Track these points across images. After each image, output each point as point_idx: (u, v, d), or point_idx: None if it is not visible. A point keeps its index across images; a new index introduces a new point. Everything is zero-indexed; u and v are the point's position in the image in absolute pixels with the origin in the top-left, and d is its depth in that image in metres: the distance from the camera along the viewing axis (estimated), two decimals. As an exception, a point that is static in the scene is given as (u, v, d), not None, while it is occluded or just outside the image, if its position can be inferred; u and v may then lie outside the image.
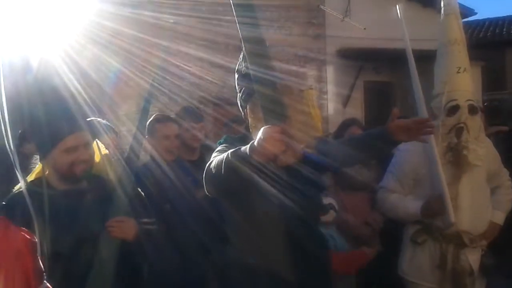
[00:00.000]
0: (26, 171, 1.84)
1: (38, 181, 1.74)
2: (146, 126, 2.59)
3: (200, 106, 5.73)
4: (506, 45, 12.69)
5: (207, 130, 2.98)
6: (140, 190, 1.99)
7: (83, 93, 1.82)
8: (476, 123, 2.41)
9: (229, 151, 1.62)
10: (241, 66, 1.87)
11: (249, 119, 1.90)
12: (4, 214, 1.43)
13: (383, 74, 9.30)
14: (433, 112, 2.45)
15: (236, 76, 1.92)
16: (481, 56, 8.45)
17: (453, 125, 2.38)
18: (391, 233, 2.71)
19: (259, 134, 1.52)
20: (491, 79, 10.45)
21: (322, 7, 8.69)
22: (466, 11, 9.90)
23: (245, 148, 1.56)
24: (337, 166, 2.05)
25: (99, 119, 2.62)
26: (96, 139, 1.92)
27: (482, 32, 13.14)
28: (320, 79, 8.78)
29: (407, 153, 2.49)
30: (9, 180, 1.77)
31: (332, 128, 4.45)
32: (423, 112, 2.34)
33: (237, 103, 1.96)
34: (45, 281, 1.32)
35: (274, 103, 1.66)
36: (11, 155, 1.49)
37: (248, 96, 1.85)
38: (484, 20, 13.97)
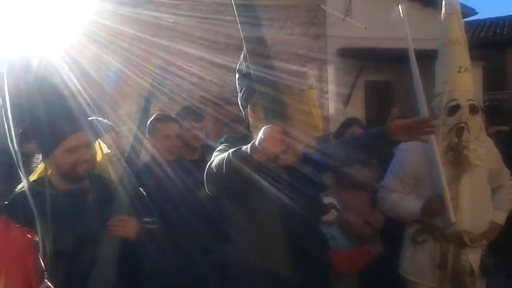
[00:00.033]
0: (27, 170, 1.84)
1: (40, 180, 1.74)
2: (147, 125, 2.60)
3: (200, 106, 5.73)
4: (507, 45, 12.67)
5: (208, 130, 2.98)
6: (141, 189, 2.00)
7: (83, 92, 1.82)
8: (476, 123, 2.41)
9: (230, 151, 1.62)
10: (242, 66, 1.87)
11: (250, 119, 1.90)
12: (6, 213, 1.44)
13: (384, 74, 9.30)
14: (433, 112, 2.45)
15: (237, 75, 1.92)
16: (482, 56, 8.45)
17: (453, 125, 2.38)
18: (392, 232, 2.71)
19: (260, 134, 1.52)
20: (492, 79, 10.44)
21: (323, 6, 8.69)
22: (467, 11, 9.89)
23: (246, 147, 1.56)
24: (338, 166, 2.05)
25: (100, 118, 2.63)
26: (98, 139, 1.92)
27: (483, 32, 13.13)
28: (321, 79, 8.78)
29: (407, 152, 2.49)
30: (11, 180, 1.77)
31: (333, 128, 4.45)
32: (424, 112, 2.34)
33: (237, 102, 1.96)
34: (46, 280, 1.32)
35: (275, 102, 1.66)
36: (14, 155, 1.49)
37: (249, 95, 1.85)
38: (485, 20, 13.96)
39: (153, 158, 2.65)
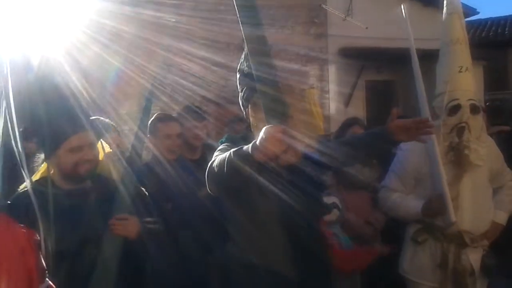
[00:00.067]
0: (28, 170, 1.84)
1: (43, 180, 1.75)
2: (148, 125, 2.60)
3: (201, 105, 5.74)
4: (508, 45, 12.66)
5: (209, 129, 2.98)
6: (143, 189, 2.00)
7: (85, 92, 1.82)
8: (477, 123, 2.41)
9: (231, 150, 1.63)
10: (243, 66, 1.87)
11: (250, 119, 1.91)
12: (8, 213, 1.44)
13: (385, 73, 9.30)
14: (434, 112, 2.45)
15: (238, 75, 1.93)
16: (483, 56, 8.45)
17: (454, 125, 2.38)
18: (393, 232, 2.71)
19: (261, 133, 1.52)
20: (493, 79, 10.43)
21: (324, 6, 8.69)
22: (468, 11, 9.88)
23: (247, 147, 1.56)
24: (338, 166, 2.06)
25: (102, 118, 2.63)
26: (101, 138, 1.93)
27: (484, 32, 13.12)
28: (322, 78, 8.78)
29: (408, 152, 2.49)
30: (13, 180, 1.77)
31: (334, 127, 4.45)
32: (425, 112, 2.34)
33: (238, 102, 1.96)
34: (47, 279, 1.33)
35: (276, 102, 1.66)
36: (17, 155, 1.49)
37: (250, 95, 1.85)
38: (486, 20, 13.94)
39: (154, 157, 2.65)
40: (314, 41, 8.83)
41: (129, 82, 5.90)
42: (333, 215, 2.59)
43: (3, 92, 1.54)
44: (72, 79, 1.79)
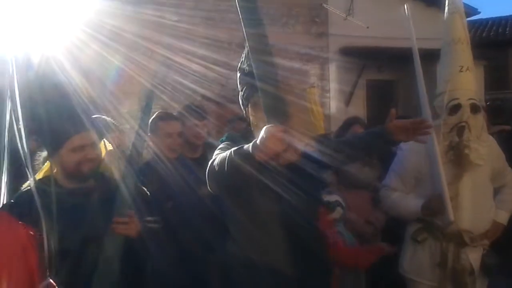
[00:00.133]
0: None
1: (46, 179, 1.75)
2: (149, 123, 2.60)
3: (202, 104, 5.73)
4: (509, 45, 12.66)
5: (209, 128, 2.98)
6: (144, 188, 2.00)
7: (85, 91, 1.82)
8: (478, 122, 2.41)
9: (232, 149, 1.63)
10: (244, 65, 1.87)
11: (251, 118, 1.91)
12: (12, 211, 1.44)
13: (386, 73, 9.30)
14: (435, 111, 2.45)
15: (238, 74, 1.93)
16: (484, 55, 8.45)
17: (454, 124, 2.38)
18: (393, 231, 2.71)
19: (261, 133, 1.52)
20: (494, 78, 10.44)
21: (325, 5, 8.68)
22: (469, 10, 9.87)
23: (248, 146, 1.57)
24: (338, 165, 2.06)
25: (104, 116, 2.63)
26: (103, 138, 1.93)
27: (485, 32, 13.12)
28: (323, 77, 8.78)
29: (409, 152, 2.49)
30: (20, 179, 1.78)
31: (334, 127, 4.44)
32: (426, 111, 2.34)
33: (238, 101, 1.96)
34: (48, 277, 1.33)
35: (276, 100, 1.67)
36: (22, 154, 1.50)
37: (250, 94, 1.85)
38: (487, 20, 13.94)
39: (155, 156, 2.65)
40: (315, 40, 8.83)
41: (130, 81, 5.91)
42: (337, 213, 2.59)
43: (9, 91, 1.55)
44: (72, 78, 1.79)
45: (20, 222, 1.35)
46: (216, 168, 1.68)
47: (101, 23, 5.27)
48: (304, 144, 1.65)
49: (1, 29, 1.70)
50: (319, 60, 8.79)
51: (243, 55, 1.88)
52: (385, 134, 1.77)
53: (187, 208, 2.47)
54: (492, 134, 2.86)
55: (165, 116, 2.81)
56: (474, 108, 2.39)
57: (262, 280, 1.77)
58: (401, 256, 2.56)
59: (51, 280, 1.33)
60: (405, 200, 2.50)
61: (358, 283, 2.65)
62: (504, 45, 12.55)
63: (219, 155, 1.71)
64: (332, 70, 8.91)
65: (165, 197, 2.45)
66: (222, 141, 1.95)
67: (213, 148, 1.93)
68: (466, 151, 2.35)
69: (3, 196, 1.69)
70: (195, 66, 6.90)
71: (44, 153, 1.89)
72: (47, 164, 1.83)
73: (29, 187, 1.68)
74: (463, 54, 2.42)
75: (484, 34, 12.91)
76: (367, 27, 8.26)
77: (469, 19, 10.31)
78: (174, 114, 2.99)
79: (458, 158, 2.36)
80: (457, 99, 2.38)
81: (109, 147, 1.98)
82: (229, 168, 1.61)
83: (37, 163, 1.89)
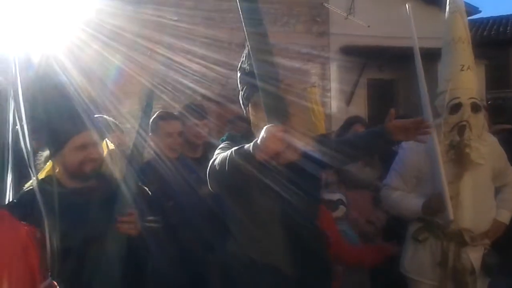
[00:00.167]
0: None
1: (48, 179, 1.75)
2: (149, 123, 2.60)
3: (203, 104, 5.73)
4: (510, 44, 12.64)
5: (210, 128, 2.98)
6: (145, 188, 2.00)
7: (86, 90, 1.82)
8: (479, 121, 2.41)
9: (233, 149, 1.63)
10: (244, 64, 1.87)
11: (251, 117, 1.91)
12: (8, 210, 1.44)
13: (387, 72, 9.29)
14: (436, 110, 2.44)
15: (239, 74, 1.93)
16: (485, 55, 8.43)
17: (455, 123, 2.38)
18: (395, 230, 2.71)
19: (262, 133, 1.53)
20: (495, 78, 10.43)
21: (326, 4, 8.68)
22: (470, 9, 9.86)
23: (248, 146, 1.57)
24: (338, 164, 2.07)
25: (105, 116, 2.63)
26: (105, 137, 1.93)
27: (486, 31, 13.10)
28: (324, 77, 8.78)
29: (410, 151, 2.49)
30: (24, 179, 1.78)
31: (335, 126, 4.44)
32: (427, 110, 2.34)
33: (239, 101, 1.96)
34: (49, 277, 1.33)
35: (277, 100, 1.67)
36: (26, 154, 1.50)
37: (250, 94, 1.85)
38: (488, 19, 13.91)
39: (155, 155, 2.65)
40: (316, 39, 8.83)
41: (130, 80, 5.91)
42: (340, 211, 2.60)
43: (12, 91, 1.55)
44: (73, 77, 1.79)
45: (21, 222, 1.35)
46: (217, 167, 1.68)
47: (101, 23, 5.28)
48: (304, 144, 1.65)
49: (2, 29, 1.70)
50: (320, 60, 8.78)
51: (244, 55, 1.88)
52: (384, 134, 1.78)
53: (187, 207, 2.47)
54: (493, 133, 2.86)
55: (165, 116, 2.81)
56: (475, 107, 2.38)
57: (262, 280, 1.77)
58: (402, 255, 2.56)
59: (52, 281, 1.32)
60: (406, 199, 2.50)
61: (363, 283, 2.64)
62: (505, 44, 12.53)
63: (219, 155, 1.71)
64: (333, 70, 8.90)
65: (165, 196, 2.45)
66: (222, 141, 1.95)
67: (214, 147, 1.93)
68: (467, 150, 2.34)
69: (9, 195, 1.69)
70: (195, 66, 6.91)
71: (45, 153, 1.89)
72: (49, 164, 1.83)
73: (31, 187, 1.69)
74: (464, 53, 2.42)
75: (485, 33, 12.89)
76: (368, 26, 8.26)
77: (470, 18, 10.29)
78: (175, 113, 2.99)
79: (459, 157, 2.36)
80: (458, 98, 2.38)
81: (111, 146, 1.98)
82: (230, 168, 1.61)
83: (38, 162, 1.89)
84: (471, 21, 11.51)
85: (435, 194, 2.36)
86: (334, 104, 8.64)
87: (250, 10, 1.70)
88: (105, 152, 1.90)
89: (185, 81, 6.02)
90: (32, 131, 1.62)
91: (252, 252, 1.81)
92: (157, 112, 2.84)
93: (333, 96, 8.73)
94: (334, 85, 8.81)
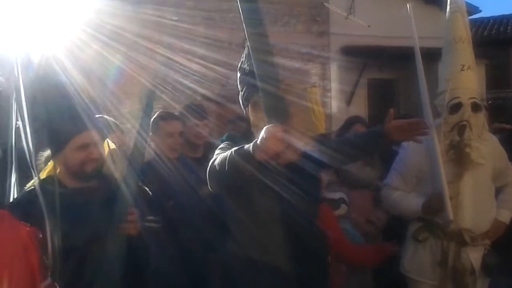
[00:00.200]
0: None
1: (49, 179, 1.75)
2: (150, 123, 2.60)
3: (203, 104, 5.73)
4: (511, 43, 12.63)
5: (210, 128, 2.98)
6: (146, 188, 2.00)
7: (87, 90, 1.82)
8: (479, 121, 2.41)
9: (233, 149, 1.63)
10: (244, 64, 1.88)
11: (251, 118, 1.91)
12: (8, 210, 1.44)
13: (387, 72, 9.28)
14: (436, 110, 2.44)
15: (239, 74, 1.93)
16: (485, 54, 8.42)
17: (455, 123, 2.38)
18: (395, 230, 2.71)
19: (262, 133, 1.53)
20: (495, 77, 10.42)
21: (326, 4, 8.68)
22: (470, 9, 9.85)
23: (248, 146, 1.57)
24: (337, 164, 2.07)
25: (106, 116, 2.63)
26: (106, 137, 1.93)
27: (487, 30, 13.09)
28: (324, 77, 8.77)
29: (410, 151, 2.49)
30: (26, 179, 1.79)
31: (336, 126, 4.44)
32: (427, 110, 2.34)
33: (239, 101, 1.97)
34: (50, 277, 1.33)
35: (277, 100, 1.67)
36: (28, 154, 1.50)
37: (250, 94, 1.86)
38: (488, 18, 13.90)
39: (156, 156, 2.65)
40: (316, 39, 8.82)
41: (130, 81, 5.91)
42: (342, 209, 2.60)
43: (14, 93, 1.55)
44: (73, 77, 1.79)
45: (21, 222, 1.35)
46: (217, 167, 1.69)
47: (101, 23, 5.28)
48: (304, 144, 1.65)
49: (2, 29, 1.70)
50: (320, 60, 8.78)
51: (244, 55, 1.88)
52: (383, 134, 1.78)
53: (188, 207, 2.47)
54: (493, 131, 2.86)
55: (166, 116, 2.81)
56: (475, 107, 2.38)
57: (262, 280, 1.78)
58: (402, 255, 2.56)
59: (52, 281, 1.33)
60: (406, 199, 2.50)
61: (365, 282, 2.64)
62: (506, 44, 12.52)
63: (219, 155, 1.71)
64: (333, 70, 8.90)
65: (166, 196, 2.45)
66: (222, 141, 1.95)
67: (214, 148, 1.94)
68: (467, 150, 2.34)
69: (13, 195, 1.69)
70: (195, 66, 6.90)
71: (46, 153, 1.90)
72: (51, 164, 1.83)
73: (32, 187, 1.69)
74: (465, 53, 2.42)
75: (485, 33, 12.88)
76: (368, 26, 8.26)
77: (470, 17, 10.28)
78: (175, 113, 2.99)
79: (459, 157, 2.36)
80: (458, 98, 2.38)
81: (112, 146, 1.98)
82: (230, 168, 1.62)
83: (38, 162, 1.89)
84: (471, 20, 11.51)
85: (435, 194, 2.36)
86: (334, 104, 8.64)
87: (250, 10, 1.70)
88: (106, 152, 1.91)
89: (185, 81, 6.01)
90: (33, 131, 1.63)
91: (252, 252, 1.81)
92: (158, 112, 2.84)
93: (333, 96, 8.72)
94: (334, 85, 8.80)
